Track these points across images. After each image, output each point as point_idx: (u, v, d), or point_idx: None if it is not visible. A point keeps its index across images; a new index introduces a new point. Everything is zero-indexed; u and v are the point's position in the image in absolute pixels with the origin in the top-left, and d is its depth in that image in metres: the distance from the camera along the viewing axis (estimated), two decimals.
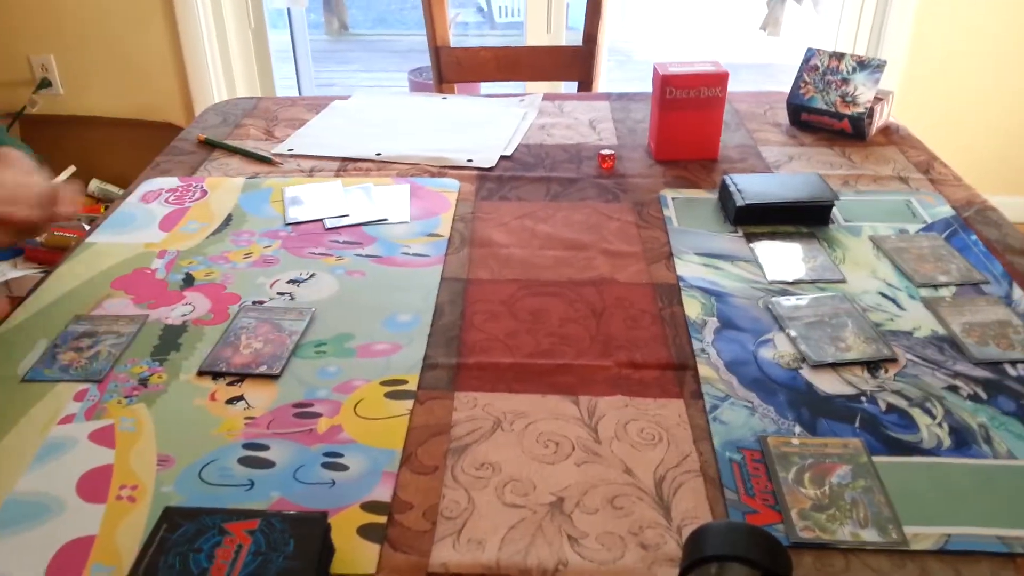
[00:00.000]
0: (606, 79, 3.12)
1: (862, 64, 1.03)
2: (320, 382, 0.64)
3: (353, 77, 4.46)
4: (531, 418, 0.60)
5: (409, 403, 0.62)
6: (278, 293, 0.76)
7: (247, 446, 0.58)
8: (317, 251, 0.82)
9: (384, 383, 0.64)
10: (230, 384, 0.64)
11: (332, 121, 1.15)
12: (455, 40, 1.65)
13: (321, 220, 0.88)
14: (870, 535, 0.50)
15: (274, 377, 0.65)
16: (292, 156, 1.04)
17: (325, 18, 5.20)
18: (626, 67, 4.44)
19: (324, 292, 0.76)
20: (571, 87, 1.73)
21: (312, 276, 0.78)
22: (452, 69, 1.66)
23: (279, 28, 2.86)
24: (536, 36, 2.48)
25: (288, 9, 2.79)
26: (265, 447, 0.58)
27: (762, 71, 4.41)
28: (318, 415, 0.61)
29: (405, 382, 0.64)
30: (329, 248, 0.83)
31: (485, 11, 5.32)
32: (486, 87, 2.40)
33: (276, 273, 0.79)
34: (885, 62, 1.02)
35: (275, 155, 1.04)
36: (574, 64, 1.66)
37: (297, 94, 2.95)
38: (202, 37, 2.41)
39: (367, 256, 0.81)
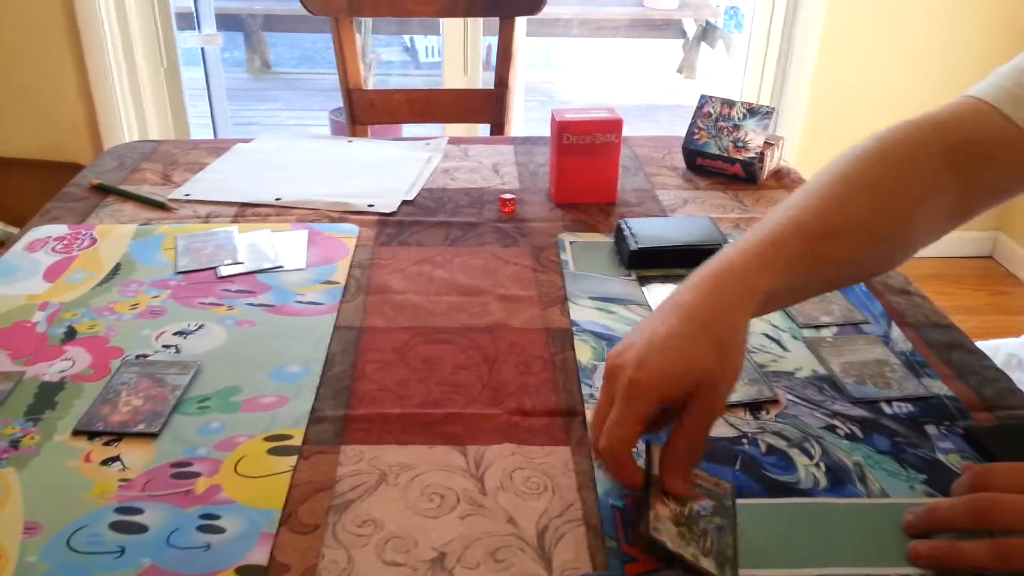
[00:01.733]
0: (524, 120, 3.17)
1: (752, 111, 1.07)
2: (201, 440, 0.62)
3: (275, 115, 4.43)
4: (417, 470, 0.60)
5: (293, 459, 0.61)
6: (163, 346, 0.74)
7: (120, 510, 0.56)
8: (207, 301, 0.81)
9: (268, 438, 0.63)
10: (106, 444, 0.62)
11: (233, 165, 1.13)
12: (379, 79, 1.65)
13: (214, 268, 0.86)
14: (708, 563, 0.50)
15: (153, 435, 0.63)
16: (189, 201, 1.02)
17: (247, 56, 5.18)
18: (547, 107, 4.50)
19: (212, 344, 0.74)
20: (487, 129, 1.75)
21: (200, 327, 0.76)
22: (365, 111, 1.66)
23: (197, 66, 2.82)
24: (454, 77, 2.50)
25: (202, 48, 2.76)
26: (139, 510, 0.56)
27: (678, 112, 4.54)
28: (197, 475, 0.59)
29: (290, 437, 0.63)
30: (220, 297, 0.81)
31: (410, 50, 5.36)
32: (408, 128, 2.41)
33: (163, 325, 0.77)
34: (773, 109, 1.06)
35: (171, 200, 1.02)
36: (487, 107, 1.68)
37: (212, 133, 2.91)
38: (112, 76, 2.36)
39: (259, 305, 0.80)
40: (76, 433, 0.63)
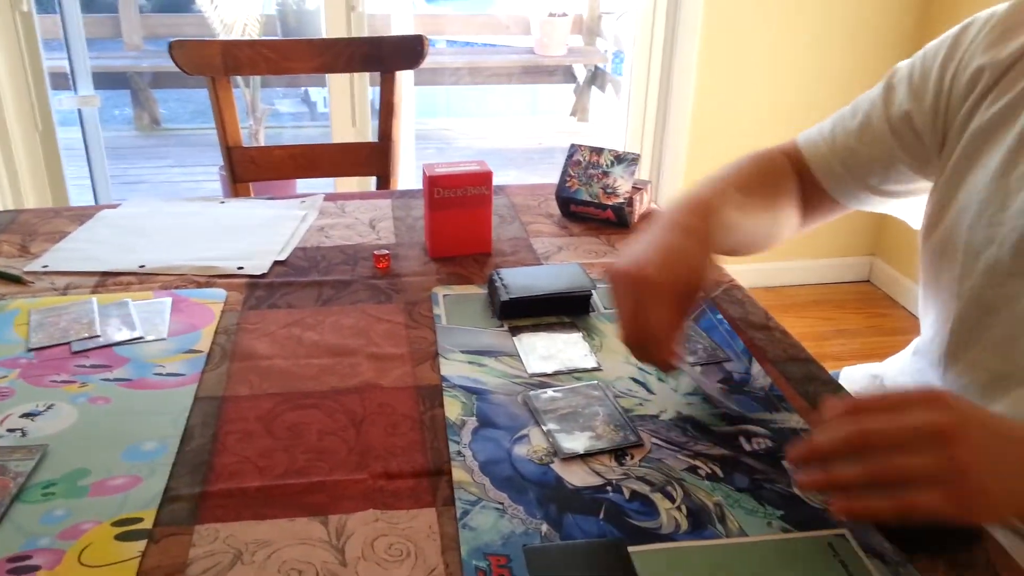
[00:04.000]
0: (418, 168, 3.18)
1: (619, 158, 1.10)
2: (44, 529, 0.59)
3: (165, 172, 4.32)
4: (275, 546, 0.58)
5: (142, 544, 0.58)
6: (8, 430, 0.69)
7: None
8: (59, 379, 0.77)
9: (116, 523, 0.59)
10: None
11: (96, 233, 1.09)
12: (273, 132, 1.63)
13: (68, 343, 0.82)
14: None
15: None
16: (46, 273, 0.98)
17: (135, 113, 5.05)
18: (445, 154, 4.54)
19: (62, 424, 0.70)
20: (373, 181, 1.75)
21: (50, 407, 0.73)
22: (247, 168, 1.63)
23: (72, 126, 2.73)
24: (343, 129, 2.50)
25: (79, 109, 2.68)
26: None
27: None
28: (36, 568, 0.56)
29: (140, 520, 0.60)
30: (73, 374, 0.78)
31: (307, 102, 5.33)
32: (300, 183, 2.38)
33: (9, 407, 0.73)
34: (638, 155, 1.10)
35: (27, 273, 0.98)
36: (372, 160, 1.67)
37: (92, 195, 2.81)
38: None
39: (115, 380, 0.77)
40: None
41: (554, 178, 1.15)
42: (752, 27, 2.42)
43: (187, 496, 0.62)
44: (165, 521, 0.60)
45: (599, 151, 1.11)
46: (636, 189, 1.10)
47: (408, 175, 2.66)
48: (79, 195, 2.64)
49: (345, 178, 2.27)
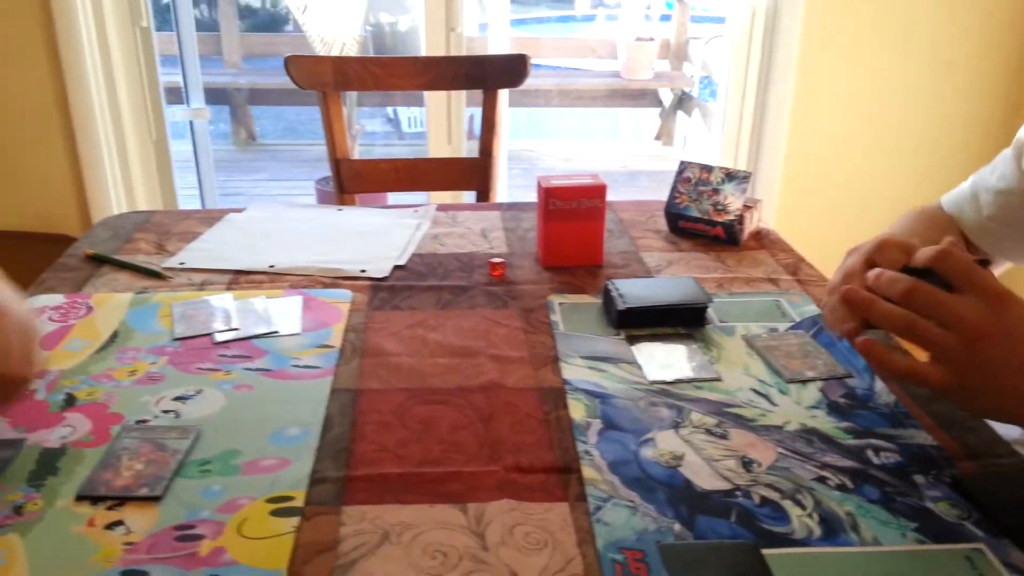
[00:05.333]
0: (508, 186, 3.23)
1: (730, 175, 1.11)
2: (204, 502, 0.63)
3: (260, 186, 4.48)
4: (419, 529, 0.61)
5: (295, 520, 0.61)
6: (163, 411, 0.75)
7: (125, 573, 0.56)
8: (205, 366, 0.82)
9: (270, 500, 0.63)
10: (109, 509, 0.62)
11: (225, 234, 1.16)
12: (363, 149, 1.69)
13: (210, 335, 0.88)
14: None
15: (156, 499, 0.63)
16: (183, 270, 1.04)
17: (233, 129, 5.26)
18: (530, 174, 4.59)
19: (211, 408, 0.75)
20: (472, 196, 1.79)
21: (199, 392, 0.78)
22: (353, 180, 1.70)
23: (184, 139, 2.87)
24: (438, 147, 2.56)
25: (191, 121, 2.81)
26: (145, 573, 0.56)
27: (659, 177, 4.64)
28: (200, 537, 0.60)
29: (292, 498, 0.64)
30: (217, 363, 0.83)
31: (393, 121, 5.47)
32: (393, 196, 2.45)
33: (162, 390, 0.78)
34: (750, 173, 1.11)
35: (165, 269, 1.04)
36: (472, 175, 1.72)
37: (200, 204, 2.94)
38: (101, 149, 2.39)
39: (256, 370, 0.81)
40: (79, 498, 0.63)
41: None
42: (852, 54, 2.40)
43: (332, 479, 0.66)
44: (315, 500, 0.63)
45: (709, 168, 1.13)
46: (747, 207, 1.11)
47: (503, 191, 2.70)
48: (186, 203, 2.77)
49: (440, 193, 2.32)
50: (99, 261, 1.07)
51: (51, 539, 0.59)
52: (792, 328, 0.90)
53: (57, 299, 0.96)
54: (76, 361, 0.83)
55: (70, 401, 0.76)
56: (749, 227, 1.13)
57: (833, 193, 2.52)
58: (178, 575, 0.56)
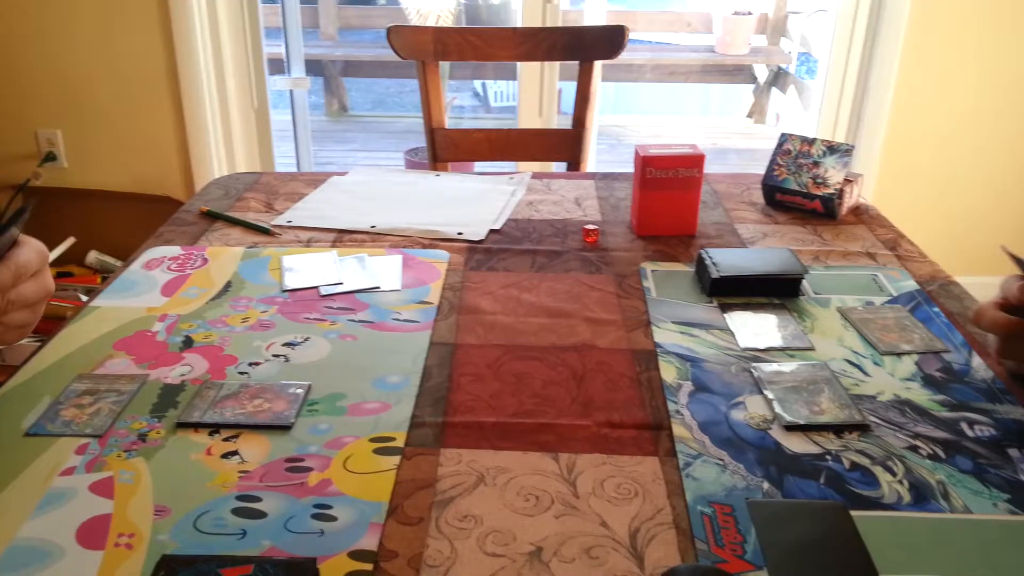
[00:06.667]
0: (595, 160, 3.22)
1: (831, 148, 1.09)
2: (312, 438, 0.67)
3: (351, 156, 4.58)
4: (513, 473, 0.63)
5: (396, 459, 0.65)
6: (273, 355, 0.79)
7: (240, 498, 0.61)
8: (312, 316, 0.86)
9: (373, 440, 0.67)
10: (226, 440, 0.67)
11: (329, 195, 1.20)
12: (452, 122, 1.73)
13: (316, 287, 0.92)
14: None
15: (285, 428, 0.68)
16: (290, 228, 1.09)
17: (325, 100, 5.39)
18: (616, 150, 4.57)
19: (318, 354, 0.79)
20: (561, 167, 1.81)
21: (307, 340, 0.82)
22: (447, 149, 1.73)
23: (280, 108, 2.96)
24: (529, 119, 2.58)
25: (291, 91, 2.90)
26: (257, 499, 0.61)
27: (749, 155, 4.55)
28: (309, 469, 0.64)
29: (393, 439, 0.67)
30: (323, 314, 0.87)
31: (481, 96, 5.50)
32: (480, 167, 2.49)
33: (272, 336, 0.83)
34: (853, 146, 1.09)
35: (274, 226, 1.09)
36: (564, 146, 1.73)
37: (296, 171, 3.03)
38: (206, 116, 2.50)
39: (359, 321, 0.85)
40: (197, 429, 0.68)
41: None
42: (959, 33, 2.30)
43: (431, 424, 0.69)
44: (414, 443, 0.67)
45: (811, 141, 1.11)
46: (847, 181, 1.09)
47: (592, 166, 2.71)
48: (283, 170, 2.86)
49: (530, 164, 2.34)
50: (213, 217, 1.13)
51: (172, 464, 0.64)
52: (889, 302, 0.88)
53: (175, 250, 1.02)
54: (193, 307, 0.89)
55: (188, 343, 0.82)
56: (848, 202, 1.11)
57: (933, 172, 2.44)
58: (289, 502, 0.60)
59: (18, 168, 2.58)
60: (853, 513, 0.59)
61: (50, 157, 2.56)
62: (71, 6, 2.40)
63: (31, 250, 0.68)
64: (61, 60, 2.46)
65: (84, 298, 2.22)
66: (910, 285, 0.92)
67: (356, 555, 0.55)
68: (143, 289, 0.93)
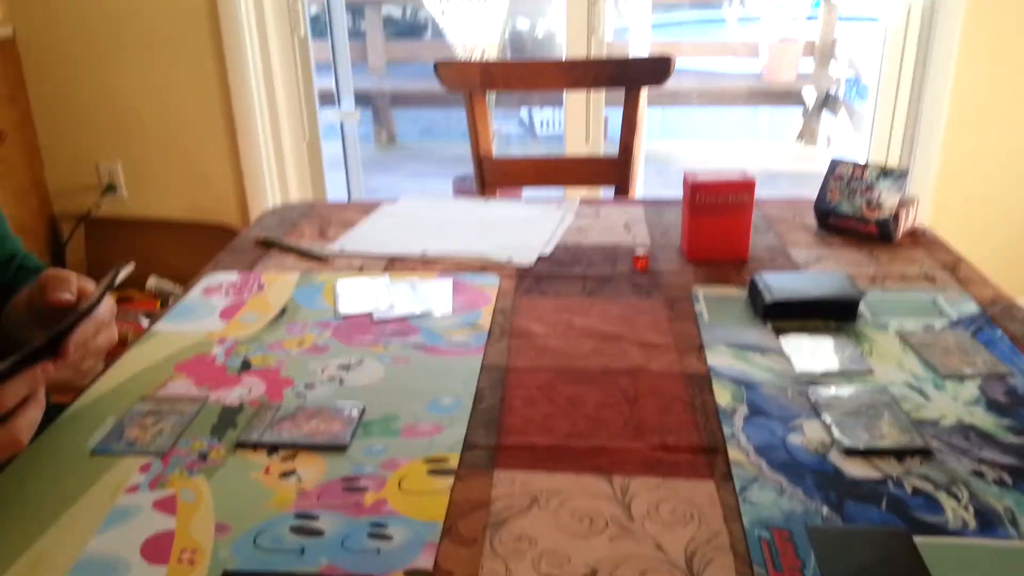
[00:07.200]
0: (643, 186, 3.22)
1: (885, 173, 1.08)
2: (367, 459, 0.68)
3: (400, 184, 4.65)
4: (566, 495, 0.63)
5: (450, 480, 0.65)
6: (328, 378, 0.80)
7: (298, 516, 0.62)
8: (366, 340, 0.88)
9: (427, 461, 0.68)
10: (284, 460, 0.68)
11: (381, 223, 1.22)
12: (498, 151, 1.74)
13: (370, 313, 0.93)
14: None
15: (341, 448, 0.69)
16: (343, 255, 1.11)
17: (375, 131, 5.49)
18: (664, 175, 4.55)
19: (372, 377, 0.80)
20: (609, 193, 1.81)
21: (361, 362, 0.83)
22: (495, 177, 1.75)
23: (331, 139, 3.02)
24: (575, 146, 2.59)
25: (341, 123, 2.95)
26: (315, 517, 0.61)
27: (799, 179, 4.50)
28: (365, 489, 0.64)
29: (446, 460, 0.68)
30: (377, 337, 0.88)
31: (526, 124, 5.54)
32: (527, 194, 2.50)
33: (327, 360, 0.84)
34: (907, 171, 1.07)
35: (328, 254, 1.11)
36: (611, 172, 1.74)
37: (347, 200, 3.08)
38: (260, 147, 2.56)
39: (412, 345, 0.86)
40: (256, 448, 0.69)
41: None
42: (1012, 53, 2.26)
43: (484, 446, 0.69)
44: (468, 464, 0.67)
45: (863, 166, 1.10)
46: (902, 205, 1.07)
47: (640, 192, 2.70)
48: (334, 199, 2.91)
49: (573, 189, 2.34)
50: (268, 245, 1.15)
51: (232, 483, 0.66)
52: (950, 326, 0.87)
53: (232, 277, 1.05)
54: (250, 331, 0.91)
55: (246, 366, 0.83)
56: (905, 225, 1.10)
57: (991, 194, 2.38)
58: (345, 521, 0.61)
59: (81, 199, 2.67)
60: (916, 539, 0.57)
61: (110, 188, 2.65)
62: (132, 44, 2.49)
63: (105, 305, 0.75)
64: (120, 95, 2.55)
65: (145, 322, 2.27)
66: (971, 308, 0.90)
67: (412, 574, 0.56)
68: (202, 314, 0.95)
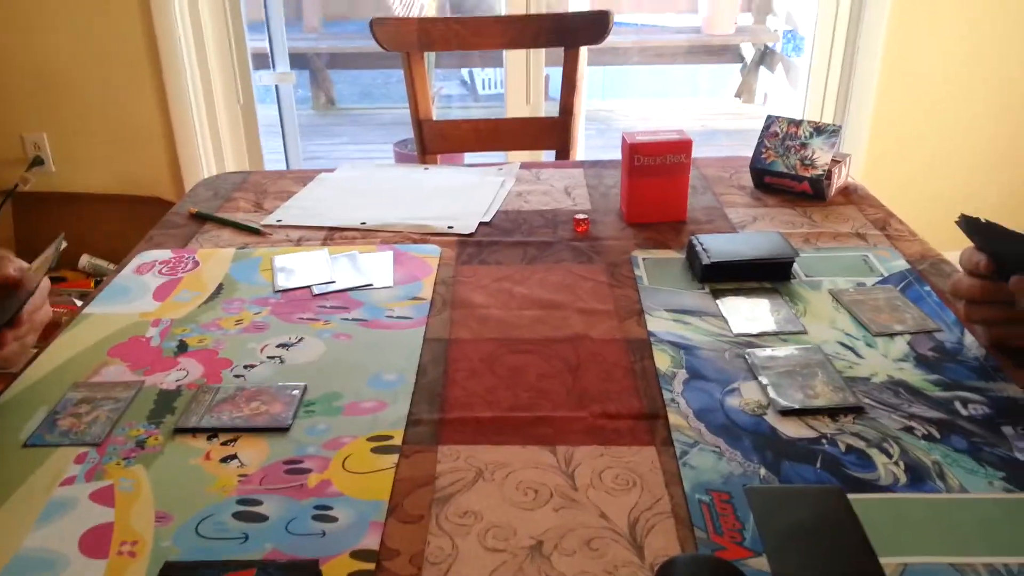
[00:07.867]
0: (585, 146, 3.22)
1: (819, 129, 1.10)
2: (309, 439, 0.67)
3: (340, 149, 4.56)
4: (511, 468, 0.64)
5: (395, 457, 0.65)
6: (268, 357, 0.79)
7: (241, 501, 0.61)
8: (305, 316, 0.86)
9: (370, 439, 0.67)
10: (224, 444, 0.67)
11: (319, 192, 1.20)
12: (440, 111, 1.72)
13: (309, 287, 0.92)
14: None
15: (283, 430, 0.68)
16: (281, 227, 1.09)
17: (312, 93, 5.36)
18: (606, 135, 4.56)
19: (312, 355, 0.79)
20: (551, 155, 1.80)
21: (301, 340, 0.82)
22: (435, 141, 1.73)
23: (267, 103, 2.95)
24: (516, 107, 2.57)
25: (276, 85, 2.88)
26: (258, 502, 0.61)
27: (738, 136, 4.54)
28: (308, 471, 0.64)
29: (390, 437, 0.67)
30: (317, 313, 0.87)
31: (468, 84, 5.48)
32: (469, 157, 2.48)
33: (266, 338, 0.83)
34: (840, 127, 1.09)
35: (264, 226, 1.09)
36: (552, 134, 1.73)
37: (285, 167, 3.02)
38: (191, 113, 2.48)
39: (353, 320, 0.85)
40: (195, 434, 0.68)
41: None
42: (945, 6, 2.30)
43: (427, 421, 0.69)
44: (412, 440, 0.67)
45: (797, 123, 1.11)
46: (835, 162, 1.09)
47: (582, 152, 2.71)
48: (272, 167, 2.85)
49: (516, 152, 2.33)
50: (202, 219, 1.13)
51: (172, 470, 0.65)
52: (880, 283, 0.89)
53: (165, 254, 1.02)
54: (186, 311, 0.89)
55: (182, 347, 0.82)
56: (837, 182, 1.11)
57: (922, 149, 2.44)
58: (289, 504, 0.60)
59: (6, 173, 2.56)
60: (850, 496, 0.59)
61: (37, 161, 2.55)
62: (52, 7, 2.38)
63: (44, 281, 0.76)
64: (42, 62, 2.44)
65: (79, 302, 2.21)
66: (901, 265, 0.93)
67: (358, 555, 0.56)
68: (135, 294, 0.93)
